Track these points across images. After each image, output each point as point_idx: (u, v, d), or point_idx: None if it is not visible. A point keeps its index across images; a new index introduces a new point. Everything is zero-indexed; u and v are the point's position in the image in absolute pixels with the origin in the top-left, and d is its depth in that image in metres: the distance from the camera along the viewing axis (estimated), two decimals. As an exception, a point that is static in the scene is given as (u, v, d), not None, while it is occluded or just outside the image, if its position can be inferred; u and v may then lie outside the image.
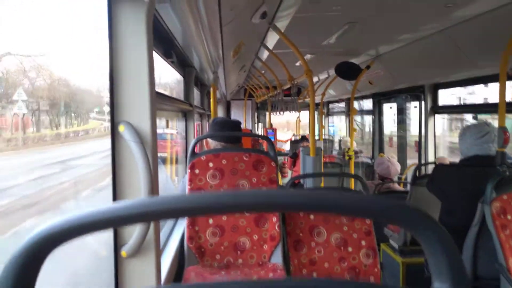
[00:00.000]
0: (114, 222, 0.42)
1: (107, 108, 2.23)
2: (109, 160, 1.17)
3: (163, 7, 1.57)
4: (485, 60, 2.99)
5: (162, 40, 2.16)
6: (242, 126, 3.66)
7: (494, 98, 2.49)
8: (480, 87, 4.33)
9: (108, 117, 1.45)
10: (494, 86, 2.63)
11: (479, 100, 5.47)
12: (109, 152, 1.16)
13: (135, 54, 1.16)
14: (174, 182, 3.48)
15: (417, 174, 3.28)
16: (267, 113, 8.37)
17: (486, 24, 2.62)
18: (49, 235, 0.41)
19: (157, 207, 0.42)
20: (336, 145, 8.43)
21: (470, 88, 4.89)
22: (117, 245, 1.18)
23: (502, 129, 2.22)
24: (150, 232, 1.16)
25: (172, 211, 0.42)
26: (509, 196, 2.17)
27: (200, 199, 0.43)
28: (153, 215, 0.42)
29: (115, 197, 1.16)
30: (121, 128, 1.13)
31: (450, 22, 2.83)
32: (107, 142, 1.18)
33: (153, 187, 1.15)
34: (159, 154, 1.33)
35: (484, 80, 3.60)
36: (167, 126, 4.38)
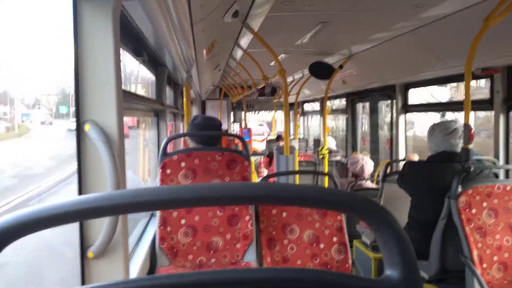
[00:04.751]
0: (79, 215, 0.41)
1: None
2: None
3: (131, 4, 1.55)
4: (453, 59, 3.08)
5: (132, 38, 2.13)
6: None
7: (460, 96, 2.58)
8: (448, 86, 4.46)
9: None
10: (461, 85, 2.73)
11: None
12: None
13: (101, 51, 1.14)
14: (146, 183, 3.43)
15: (388, 171, 3.35)
16: (243, 113, 8.37)
17: (453, 24, 2.70)
18: (11, 226, 0.40)
19: (122, 200, 0.41)
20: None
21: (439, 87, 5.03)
22: (83, 246, 1.15)
23: (467, 126, 2.28)
24: (117, 232, 1.14)
25: (137, 203, 0.42)
26: (474, 190, 2.25)
27: (157, 192, 0.43)
28: (118, 207, 0.42)
29: None
30: (87, 127, 1.11)
31: (420, 22, 2.90)
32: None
33: (120, 187, 1.13)
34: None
35: (452, 79, 3.71)
36: (138, 126, 4.31)
